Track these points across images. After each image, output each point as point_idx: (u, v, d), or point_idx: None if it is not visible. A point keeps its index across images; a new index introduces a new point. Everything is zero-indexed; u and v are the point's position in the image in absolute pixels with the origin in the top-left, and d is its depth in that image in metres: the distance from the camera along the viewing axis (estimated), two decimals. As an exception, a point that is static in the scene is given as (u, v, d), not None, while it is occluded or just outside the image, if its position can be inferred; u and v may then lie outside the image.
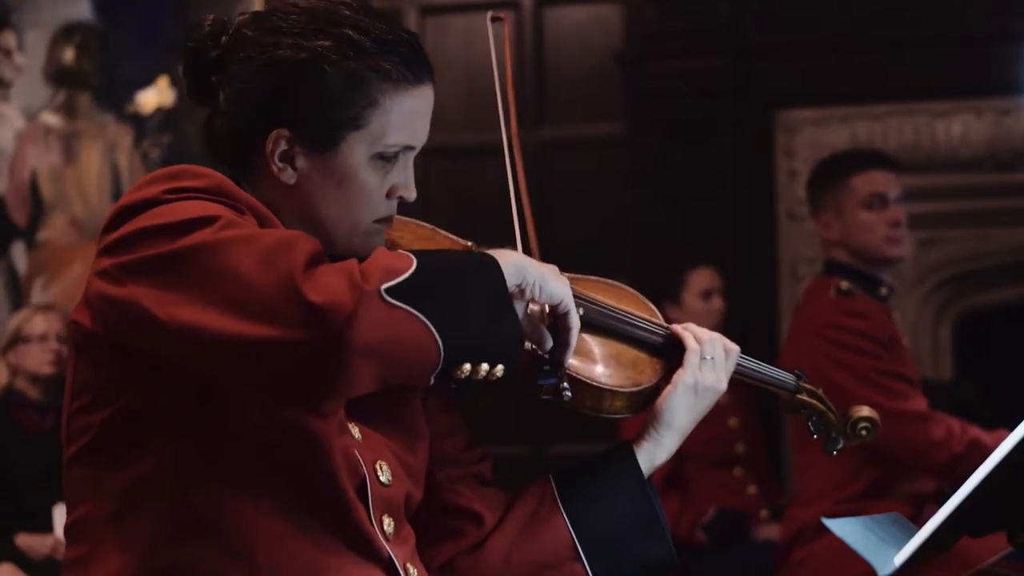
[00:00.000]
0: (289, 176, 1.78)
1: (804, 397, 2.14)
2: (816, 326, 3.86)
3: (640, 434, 2.00)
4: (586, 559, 1.93)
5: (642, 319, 2.01)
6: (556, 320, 1.76)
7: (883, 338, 3.79)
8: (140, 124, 6.59)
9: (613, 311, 1.98)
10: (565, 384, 1.80)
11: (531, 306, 1.75)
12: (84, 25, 6.63)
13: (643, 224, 5.81)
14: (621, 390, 1.93)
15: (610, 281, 2.08)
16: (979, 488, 1.88)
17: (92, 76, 6.64)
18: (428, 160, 5.88)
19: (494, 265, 1.67)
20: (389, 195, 1.81)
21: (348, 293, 1.54)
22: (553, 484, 1.98)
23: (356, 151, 1.77)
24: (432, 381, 1.63)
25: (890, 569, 1.93)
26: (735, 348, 2.04)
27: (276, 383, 1.61)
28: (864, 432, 2.16)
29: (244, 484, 1.69)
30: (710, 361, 2.00)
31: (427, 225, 2.02)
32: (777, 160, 5.77)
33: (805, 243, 5.60)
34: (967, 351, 5.83)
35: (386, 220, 1.83)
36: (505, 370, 1.66)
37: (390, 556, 1.77)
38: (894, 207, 3.84)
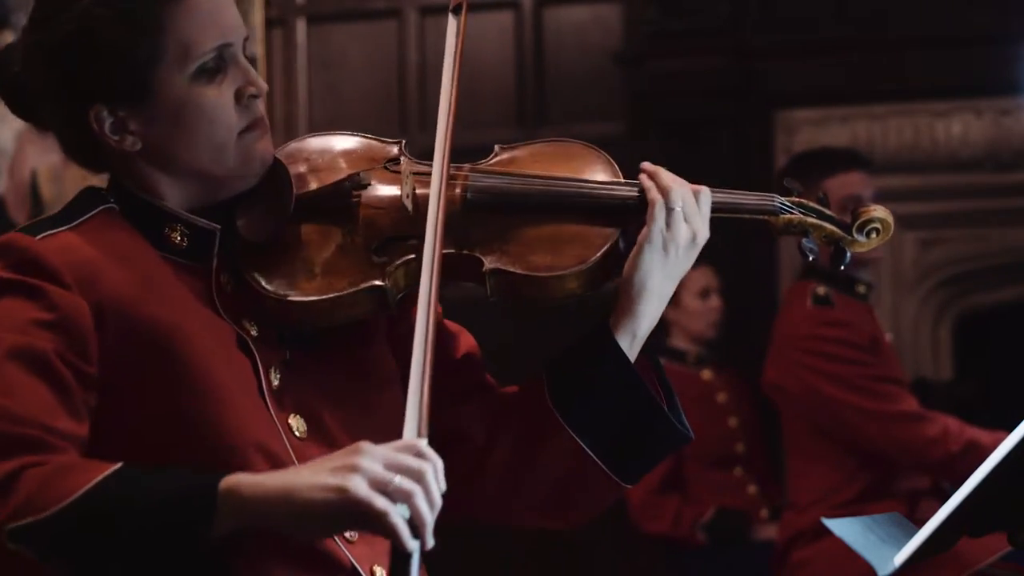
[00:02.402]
0: (132, 143, 1.72)
1: (795, 215, 1.91)
2: (797, 340, 3.87)
3: (615, 310, 1.80)
4: (600, 458, 1.80)
5: (587, 183, 1.83)
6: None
7: (866, 343, 3.81)
8: (140, 124, 6.59)
9: (543, 183, 1.81)
10: None
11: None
12: (84, 25, 6.64)
13: (643, 224, 5.80)
14: (567, 271, 1.75)
15: (564, 141, 1.92)
16: (979, 488, 1.88)
17: (92, 76, 6.65)
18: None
19: (199, 503, 1.46)
20: (239, 100, 1.73)
21: None
22: (547, 391, 1.82)
23: (173, 82, 1.69)
24: None
25: (890, 569, 1.92)
26: (703, 188, 1.87)
27: None
28: (875, 234, 1.92)
29: None
30: (679, 212, 1.81)
31: (356, 136, 1.92)
32: (777, 160, 5.76)
33: (805, 243, 5.60)
34: (967, 351, 5.82)
35: (254, 126, 1.74)
36: None
37: (352, 563, 1.69)
38: None
